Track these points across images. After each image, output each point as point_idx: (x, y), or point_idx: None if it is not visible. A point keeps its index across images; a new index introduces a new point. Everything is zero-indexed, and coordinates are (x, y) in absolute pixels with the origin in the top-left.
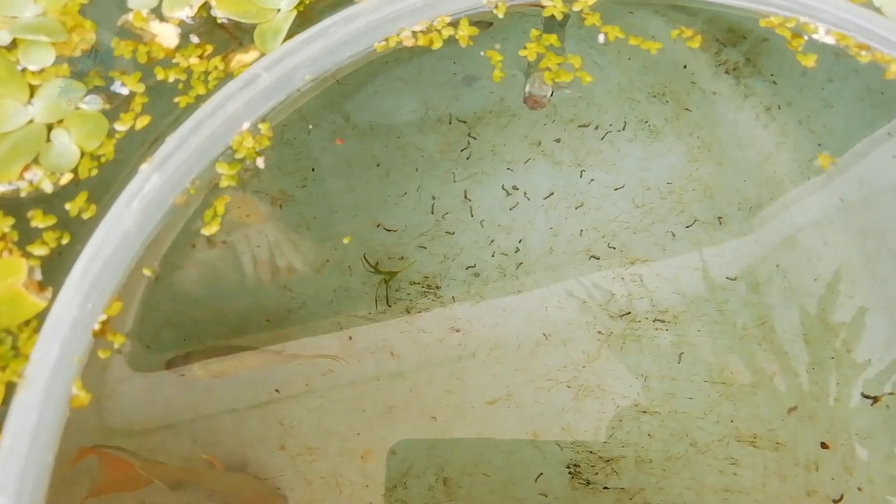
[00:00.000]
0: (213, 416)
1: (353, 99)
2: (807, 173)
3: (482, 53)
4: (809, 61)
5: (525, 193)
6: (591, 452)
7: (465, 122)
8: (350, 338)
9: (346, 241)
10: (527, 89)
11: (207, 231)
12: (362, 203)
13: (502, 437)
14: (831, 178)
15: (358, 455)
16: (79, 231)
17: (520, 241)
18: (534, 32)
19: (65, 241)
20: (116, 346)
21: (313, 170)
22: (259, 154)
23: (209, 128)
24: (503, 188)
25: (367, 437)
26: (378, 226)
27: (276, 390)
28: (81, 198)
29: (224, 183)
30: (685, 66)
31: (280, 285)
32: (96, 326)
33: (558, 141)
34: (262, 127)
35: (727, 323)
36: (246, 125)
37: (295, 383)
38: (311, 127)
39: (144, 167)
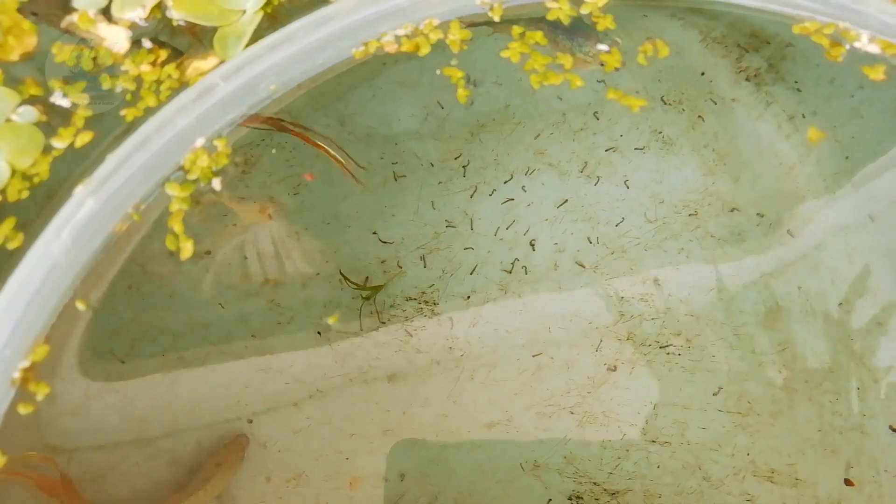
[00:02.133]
0: (191, 434)
1: (349, 102)
2: (832, 188)
3: (438, 72)
4: (878, 74)
5: (529, 206)
6: (595, 484)
7: (467, 129)
8: (340, 356)
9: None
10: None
11: (184, 255)
12: (356, 213)
13: (500, 465)
14: (859, 193)
15: (346, 481)
16: (2, 264)
17: (523, 257)
18: (516, 30)
19: None
20: (40, 398)
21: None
22: (216, 174)
23: (156, 144)
24: (506, 200)
25: (356, 462)
26: (374, 233)
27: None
28: (8, 224)
29: (175, 207)
30: (703, 73)
31: (267, 299)
32: (16, 375)
33: (566, 150)
34: (219, 143)
35: (744, 348)
36: (200, 141)
37: (281, 402)
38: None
39: (79, 190)
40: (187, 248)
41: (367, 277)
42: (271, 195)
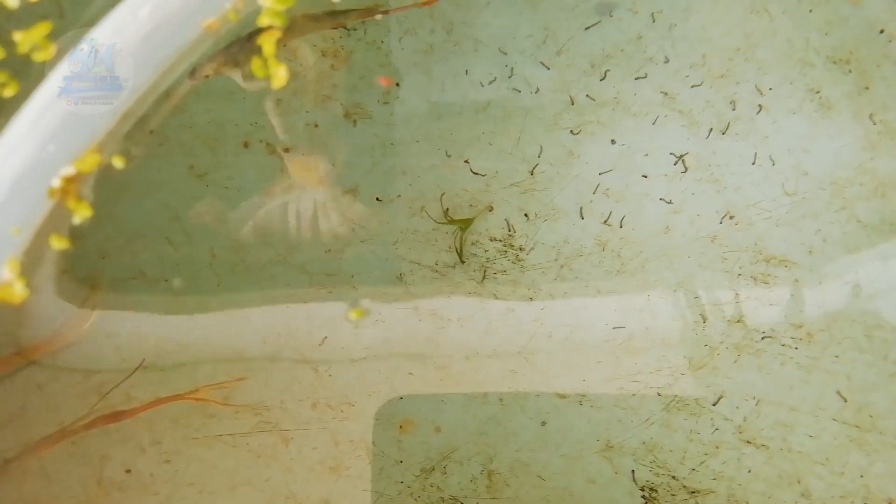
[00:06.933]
0: (242, 349)
1: (459, 7)
2: None
3: None
4: None
5: (646, 156)
6: (673, 478)
7: (588, 59)
8: (409, 286)
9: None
10: None
11: (277, 83)
12: (450, 135)
13: (567, 438)
14: None
15: (397, 423)
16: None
17: (630, 212)
18: None
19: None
20: (78, 221)
21: (398, 85)
22: None
23: None
24: (620, 145)
25: (410, 403)
26: (466, 162)
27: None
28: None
29: (265, 20)
30: (882, 31)
31: (342, 213)
32: (56, 183)
33: (700, 98)
34: None
35: (876, 353)
36: None
37: (340, 327)
38: (402, 36)
39: None
40: (280, 76)
41: (448, 209)
42: (358, 101)
